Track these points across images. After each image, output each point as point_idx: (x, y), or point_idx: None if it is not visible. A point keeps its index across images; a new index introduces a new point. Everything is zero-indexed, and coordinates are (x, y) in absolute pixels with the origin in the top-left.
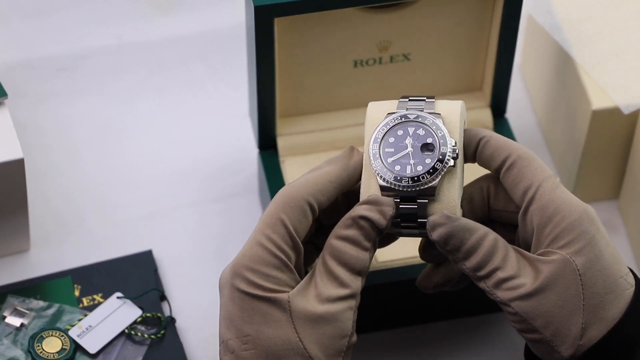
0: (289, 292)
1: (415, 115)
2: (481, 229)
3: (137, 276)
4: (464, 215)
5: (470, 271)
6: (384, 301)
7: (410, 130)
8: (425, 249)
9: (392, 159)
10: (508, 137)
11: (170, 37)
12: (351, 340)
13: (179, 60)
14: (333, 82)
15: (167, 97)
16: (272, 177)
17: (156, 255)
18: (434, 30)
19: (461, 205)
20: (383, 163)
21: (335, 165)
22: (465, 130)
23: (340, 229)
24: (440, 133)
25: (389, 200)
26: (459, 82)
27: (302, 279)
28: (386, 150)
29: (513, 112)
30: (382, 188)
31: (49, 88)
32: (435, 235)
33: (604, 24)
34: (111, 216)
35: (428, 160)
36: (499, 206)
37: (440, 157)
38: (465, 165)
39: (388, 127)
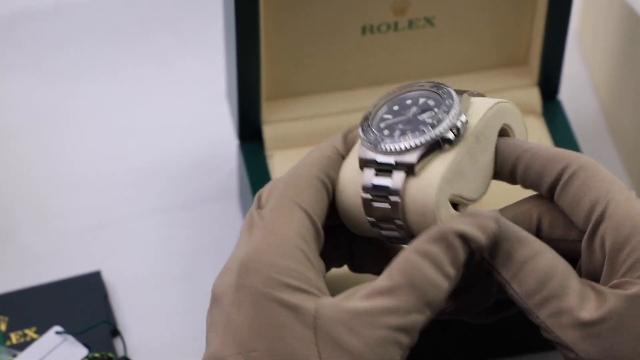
0: (314, 294)
1: (432, 84)
2: (536, 242)
3: (81, 305)
4: None
5: (516, 292)
6: None
7: (421, 100)
8: None
9: (384, 124)
10: (562, 124)
11: None
12: None
13: (137, 28)
14: (334, 55)
15: (121, 75)
16: (256, 175)
17: (106, 277)
18: None
19: None
20: (370, 126)
21: (335, 138)
22: (500, 139)
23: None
24: (449, 102)
25: (490, 212)
26: (497, 54)
27: (324, 277)
28: (384, 116)
29: (568, 93)
30: (360, 159)
31: None
32: (486, 234)
33: None
34: (49, 227)
35: (421, 127)
36: (556, 234)
37: (435, 122)
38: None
39: (394, 94)
